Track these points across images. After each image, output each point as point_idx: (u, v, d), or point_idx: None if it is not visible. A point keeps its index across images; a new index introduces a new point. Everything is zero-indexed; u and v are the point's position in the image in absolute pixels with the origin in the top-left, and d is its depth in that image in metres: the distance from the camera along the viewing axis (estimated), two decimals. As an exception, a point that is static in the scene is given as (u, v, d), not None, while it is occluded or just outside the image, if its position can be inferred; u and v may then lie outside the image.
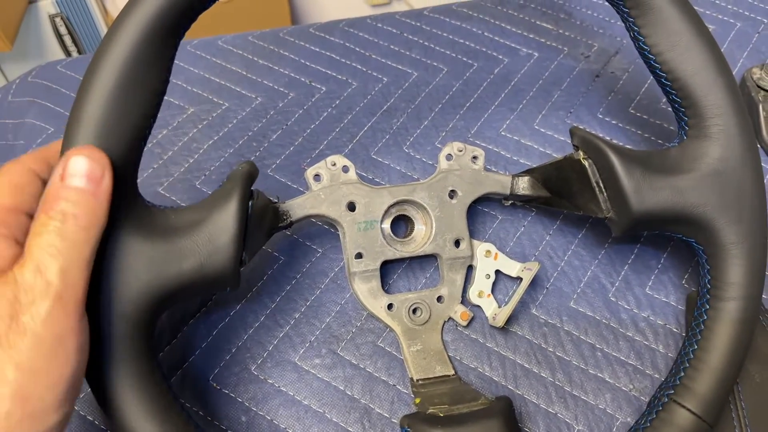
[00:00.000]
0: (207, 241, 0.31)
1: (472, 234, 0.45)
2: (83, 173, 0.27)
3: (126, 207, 0.30)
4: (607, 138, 0.50)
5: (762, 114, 0.50)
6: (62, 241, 0.26)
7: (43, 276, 0.25)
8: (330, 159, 0.42)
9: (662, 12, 0.36)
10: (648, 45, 0.36)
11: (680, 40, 0.36)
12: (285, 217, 0.40)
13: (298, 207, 0.40)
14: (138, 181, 0.31)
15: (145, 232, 0.30)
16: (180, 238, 0.31)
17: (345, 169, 0.42)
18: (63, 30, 1.18)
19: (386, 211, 0.42)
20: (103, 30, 1.22)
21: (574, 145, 0.39)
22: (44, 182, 0.31)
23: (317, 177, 0.41)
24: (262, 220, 0.37)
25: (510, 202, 0.46)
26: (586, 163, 0.38)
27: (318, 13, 1.67)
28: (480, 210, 0.47)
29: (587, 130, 0.38)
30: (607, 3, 0.38)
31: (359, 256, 0.41)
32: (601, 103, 0.53)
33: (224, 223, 0.31)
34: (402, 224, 0.44)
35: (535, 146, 0.50)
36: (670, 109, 0.43)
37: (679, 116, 0.37)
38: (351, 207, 0.41)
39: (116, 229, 0.29)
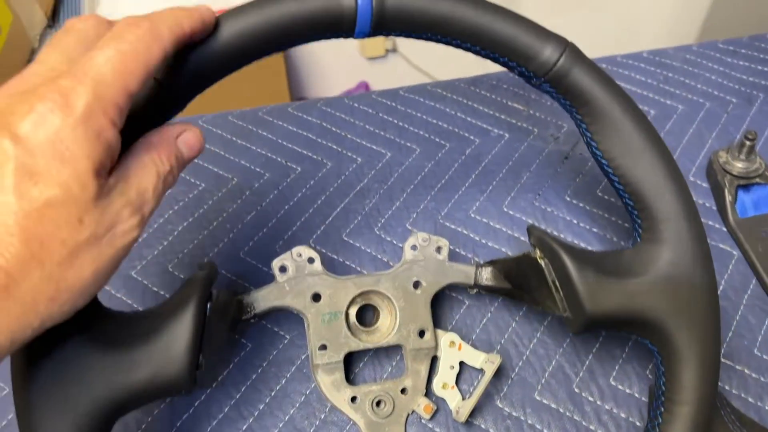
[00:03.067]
0: (161, 349, 0.32)
1: (439, 320, 0.46)
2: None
3: (83, 313, 0.31)
4: (575, 221, 0.51)
5: (728, 198, 0.51)
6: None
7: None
8: (296, 250, 0.42)
9: (613, 120, 0.37)
10: (600, 150, 0.37)
11: (631, 147, 0.37)
12: (249, 310, 0.41)
13: (262, 299, 0.41)
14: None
15: (99, 340, 0.31)
16: (134, 347, 0.31)
17: (311, 260, 0.42)
18: (61, 87, 1.21)
19: (352, 300, 0.42)
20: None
21: (531, 243, 0.40)
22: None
23: (283, 268, 0.42)
24: (224, 315, 0.37)
25: (475, 290, 0.46)
26: (542, 263, 0.38)
27: (315, 66, 1.70)
28: (447, 295, 0.47)
29: (545, 229, 0.39)
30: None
31: (323, 347, 0.41)
32: (569, 185, 0.54)
33: (179, 333, 0.32)
34: (369, 309, 0.45)
35: (504, 229, 0.51)
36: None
37: (633, 218, 0.38)
38: (316, 298, 0.42)
39: (70, 337, 0.30)
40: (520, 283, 0.42)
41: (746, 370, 0.44)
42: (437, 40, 0.36)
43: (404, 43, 1.70)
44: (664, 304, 0.35)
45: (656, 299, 0.35)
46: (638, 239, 0.38)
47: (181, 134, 0.32)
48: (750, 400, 0.43)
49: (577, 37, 0.39)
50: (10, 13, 1.07)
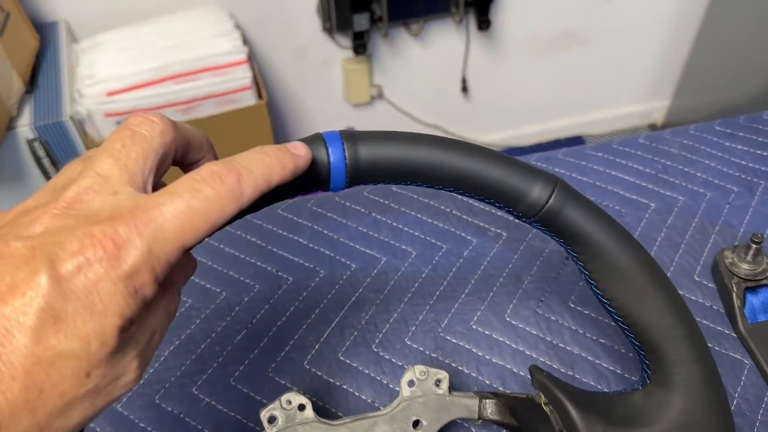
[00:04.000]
0: None
1: (444, 452, 0.43)
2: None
3: None
4: (580, 331, 0.49)
5: (736, 303, 0.49)
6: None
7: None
8: (285, 397, 0.40)
9: (612, 259, 0.35)
10: (600, 290, 0.35)
11: (634, 287, 0.35)
12: (240, 468, 0.38)
13: (254, 454, 0.39)
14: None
15: None
16: None
17: (301, 407, 0.40)
18: (41, 153, 1.18)
19: None
20: (83, 151, 1.22)
21: (534, 387, 0.37)
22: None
23: (272, 419, 0.39)
24: None
25: (480, 421, 0.44)
26: (547, 410, 0.36)
27: (300, 113, 1.68)
28: (452, 421, 0.45)
29: (547, 373, 0.37)
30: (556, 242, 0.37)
31: (320, 501, 0.39)
32: (572, 290, 0.52)
33: None
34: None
35: (507, 342, 0.49)
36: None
37: (641, 359, 0.36)
38: (310, 448, 0.39)
39: None
40: (526, 423, 0.40)
41: (768, 501, 0.42)
42: (420, 185, 0.34)
43: (390, 90, 1.69)
44: None
45: None
46: (647, 380, 0.36)
47: (185, 264, 0.30)
48: None
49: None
50: (-13, 84, 1.05)
